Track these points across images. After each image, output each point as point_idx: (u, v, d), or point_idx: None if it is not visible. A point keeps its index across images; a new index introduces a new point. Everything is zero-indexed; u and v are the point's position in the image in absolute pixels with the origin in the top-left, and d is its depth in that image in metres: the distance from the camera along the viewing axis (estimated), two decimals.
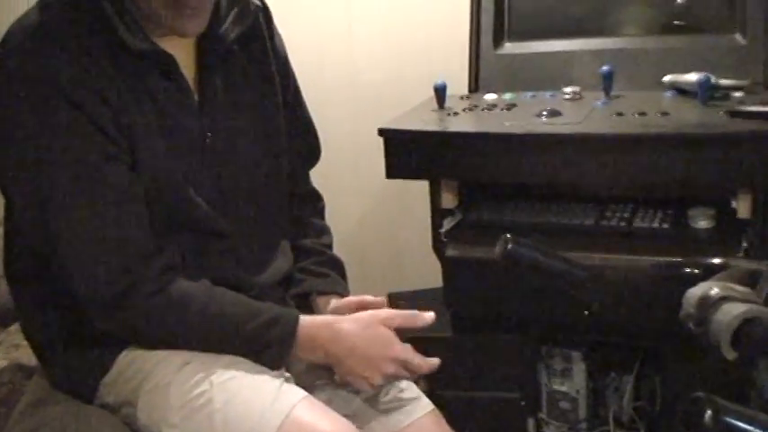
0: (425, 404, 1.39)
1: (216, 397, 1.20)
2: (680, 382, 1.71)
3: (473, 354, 1.84)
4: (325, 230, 1.57)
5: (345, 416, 1.27)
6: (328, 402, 1.29)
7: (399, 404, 1.37)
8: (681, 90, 1.83)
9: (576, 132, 1.65)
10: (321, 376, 1.36)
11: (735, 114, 1.61)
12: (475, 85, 2.05)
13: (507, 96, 1.95)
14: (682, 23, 1.93)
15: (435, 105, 1.91)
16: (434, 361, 1.31)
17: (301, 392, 1.24)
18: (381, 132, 1.76)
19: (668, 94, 1.84)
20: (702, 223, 1.67)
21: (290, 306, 1.40)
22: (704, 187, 1.70)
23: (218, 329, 1.26)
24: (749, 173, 1.55)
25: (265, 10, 1.45)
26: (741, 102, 1.69)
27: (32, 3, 1.27)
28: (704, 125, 1.62)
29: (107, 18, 1.21)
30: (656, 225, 1.69)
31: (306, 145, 1.55)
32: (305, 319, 1.29)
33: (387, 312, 1.34)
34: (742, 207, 1.60)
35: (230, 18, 1.34)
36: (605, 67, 1.83)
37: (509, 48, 2.05)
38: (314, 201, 1.59)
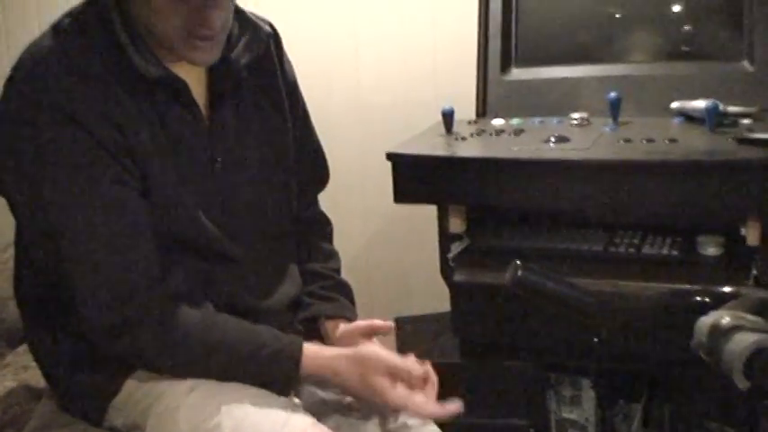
0: (433, 431, 1.38)
1: (224, 422, 1.19)
2: (689, 411, 1.71)
3: (481, 380, 1.83)
4: (333, 255, 1.56)
5: None
6: (336, 429, 1.29)
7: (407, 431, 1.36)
8: (689, 117, 1.83)
9: (584, 158, 1.65)
10: (329, 403, 1.36)
11: (743, 141, 1.61)
12: (482, 110, 2.06)
13: (515, 122, 1.95)
14: (689, 50, 1.94)
15: (443, 130, 1.92)
16: (434, 409, 1.28)
17: (309, 419, 1.23)
18: (390, 157, 1.77)
19: (676, 120, 1.85)
20: (711, 250, 1.67)
21: (297, 331, 1.40)
22: (713, 214, 1.69)
23: (220, 361, 1.26)
24: (758, 200, 1.54)
25: (275, 36, 1.46)
26: (749, 129, 1.69)
27: (45, 25, 1.28)
28: (712, 152, 1.62)
29: (120, 44, 1.22)
30: (664, 252, 1.69)
31: (314, 169, 1.56)
32: (307, 355, 1.28)
33: (388, 364, 1.29)
34: (751, 234, 1.60)
35: (241, 44, 1.34)
36: (613, 94, 1.84)
37: (516, 73, 2.06)
38: (322, 225, 1.59)
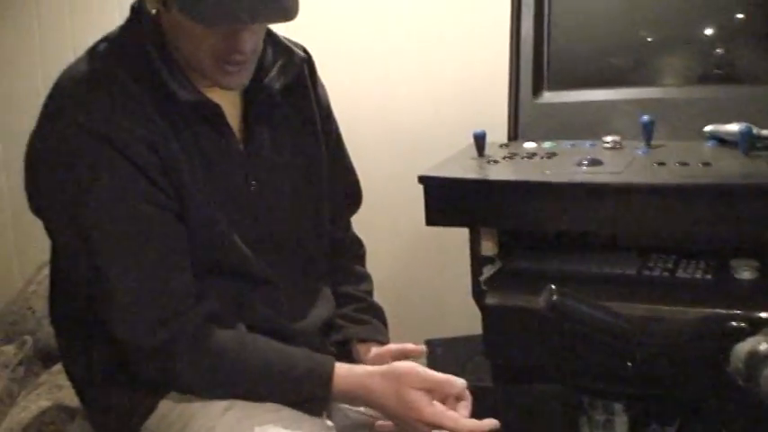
0: None
1: None
2: None
3: (514, 404, 1.82)
4: (365, 277, 1.57)
5: None
6: None
7: None
8: (722, 140, 1.82)
9: (617, 182, 1.64)
10: (361, 425, 1.36)
11: None
12: (514, 134, 2.05)
13: (547, 145, 1.95)
14: (722, 73, 1.93)
15: (475, 153, 1.92)
16: (471, 426, 1.25)
17: None
18: (422, 180, 1.77)
19: (709, 144, 1.83)
20: (746, 274, 1.65)
21: (329, 353, 1.40)
22: (747, 238, 1.68)
23: (253, 381, 1.26)
24: None
25: (309, 60, 1.47)
26: None
27: (81, 50, 1.30)
28: (746, 176, 1.61)
29: (155, 68, 1.24)
30: (698, 276, 1.67)
31: (347, 192, 1.57)
32: (339, 374, 1.28)
33: (425, 378, 1.28)
34: None
35: (276, 69, 1.36)
36: (645, 117, 1.83)
37: (548, 97, 2.05)
38: (355, 247, 1.59)
